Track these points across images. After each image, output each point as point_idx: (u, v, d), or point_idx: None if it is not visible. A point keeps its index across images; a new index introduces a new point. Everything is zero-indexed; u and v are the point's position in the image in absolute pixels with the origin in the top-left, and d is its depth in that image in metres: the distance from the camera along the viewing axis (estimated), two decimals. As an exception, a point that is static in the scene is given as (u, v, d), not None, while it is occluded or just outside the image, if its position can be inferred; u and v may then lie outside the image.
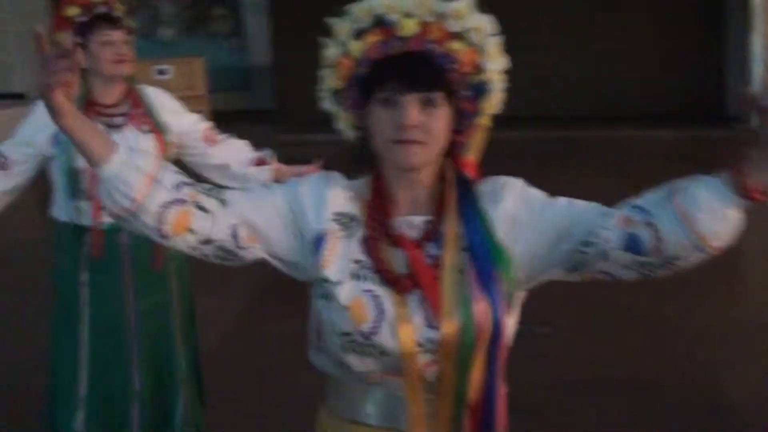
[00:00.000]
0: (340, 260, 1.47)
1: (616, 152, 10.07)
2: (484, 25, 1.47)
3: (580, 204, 1.50)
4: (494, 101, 1.51)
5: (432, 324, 1.43)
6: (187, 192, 1.44)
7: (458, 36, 1.46)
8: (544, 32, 11.68)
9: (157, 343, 2.93)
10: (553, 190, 1.54)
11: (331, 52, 1.51)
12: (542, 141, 10.82)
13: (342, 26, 1.50)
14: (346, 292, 1.45)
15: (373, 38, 1.47)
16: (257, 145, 3.10)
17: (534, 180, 1.56)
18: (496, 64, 1.49)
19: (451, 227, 1.48)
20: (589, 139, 10.68)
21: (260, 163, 2.98)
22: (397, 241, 1.48)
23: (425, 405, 1.47)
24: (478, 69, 1.48)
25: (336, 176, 1.56)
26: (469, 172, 1.54)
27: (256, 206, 1.50)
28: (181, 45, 13.76)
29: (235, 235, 1.47)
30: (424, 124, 1.43)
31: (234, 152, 3.01)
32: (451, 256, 1.46)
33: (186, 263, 2.99)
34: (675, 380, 4.00)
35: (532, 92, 11.72)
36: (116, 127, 2.76)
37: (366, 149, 1.51)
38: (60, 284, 2.92)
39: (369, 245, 1.48)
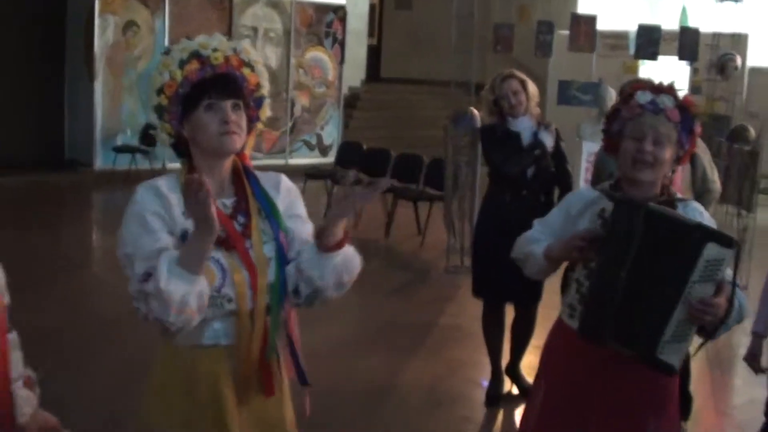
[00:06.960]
0: None
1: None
2: (259, 59, 2.18)
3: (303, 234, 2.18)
4: (266, 111, 2.21)
5: (249, 273, 2.07)
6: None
7: (247, 64, 2.14)
8: None
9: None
10: None
11: (158, 79, 2.08)
12: None
13: (167, 59, 2.10)
14: None
15: (191, 67, 2.07)
16: None
17: None
18: (267, 85, 2.20)
19: (254, 204, 2.14)
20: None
21: None
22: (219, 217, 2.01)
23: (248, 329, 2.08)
24: (258, 87, 2.17)
25: (160, 183, 2.07)
26: (247, 164, 2.20)
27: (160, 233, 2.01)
28: None
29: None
30: (236, 122, 2.07)
31: None
32: (256, 222, 2.11)
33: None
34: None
35: None
36: None
37: (184, 148, 2.12)
38: None
39: None
